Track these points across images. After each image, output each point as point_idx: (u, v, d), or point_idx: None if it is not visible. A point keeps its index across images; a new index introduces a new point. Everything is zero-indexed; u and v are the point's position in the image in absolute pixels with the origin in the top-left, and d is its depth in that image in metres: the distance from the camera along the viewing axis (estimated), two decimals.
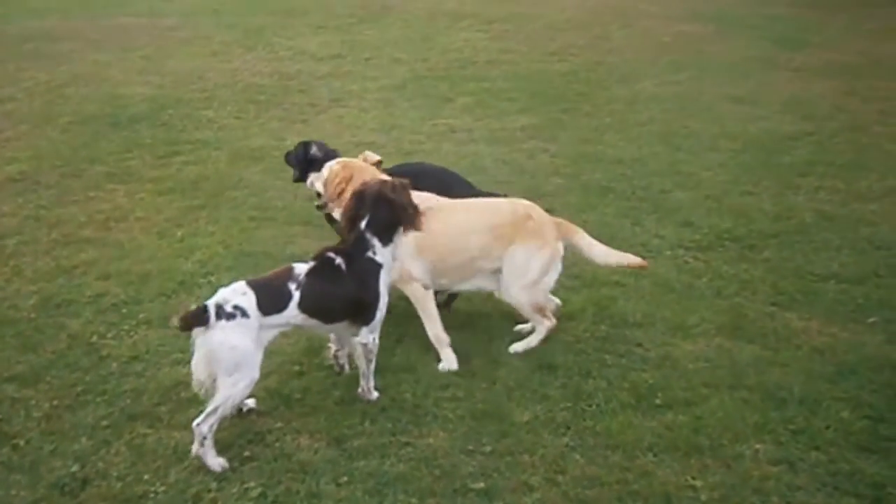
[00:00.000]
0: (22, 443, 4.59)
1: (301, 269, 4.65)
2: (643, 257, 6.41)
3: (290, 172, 6.56)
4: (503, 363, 5.29)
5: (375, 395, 4.94)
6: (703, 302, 5.99)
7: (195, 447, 4.39)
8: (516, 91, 11.13)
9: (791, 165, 8.53)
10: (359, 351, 4.84)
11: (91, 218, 7.29)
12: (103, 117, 9.89)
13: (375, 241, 4.70)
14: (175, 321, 4.40)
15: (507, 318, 5.76)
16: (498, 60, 12.70)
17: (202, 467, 4.39)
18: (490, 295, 5.78)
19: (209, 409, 4.39)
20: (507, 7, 16.28)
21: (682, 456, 4.47)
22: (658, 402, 4.90)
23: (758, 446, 4.55)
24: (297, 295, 4.54)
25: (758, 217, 7.34)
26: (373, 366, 4.89)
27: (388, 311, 4.91)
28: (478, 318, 5.86)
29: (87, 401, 4.93)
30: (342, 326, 4.82)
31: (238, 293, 4.46)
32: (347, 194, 5.20)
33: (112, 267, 6.45)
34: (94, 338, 5.55)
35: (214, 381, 4.40)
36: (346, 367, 5.16)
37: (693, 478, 4.34)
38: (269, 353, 5.28)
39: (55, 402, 4.90)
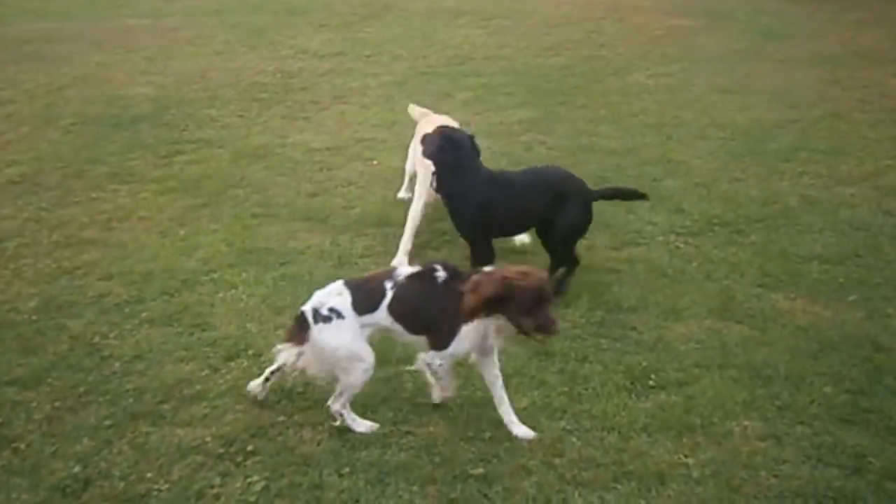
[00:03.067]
0: (23, 446, 4.56)
1: (403, 271, 4.63)
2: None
3: (290, 173, 6.53)
4: (502, 351, 5.26)
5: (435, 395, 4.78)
6: (693, 285, 6.11)
7: (337, 423, 4.57)
8: (514, 85, 11.17)
9: (776, 152, 8.71)
10: (420, 367, 4.66)
11: (93, 219, 7.27)
12: (105, 118, 9.87)
13: None
14: (283, 344, 4.60)
15: None
16: (496, 56, 12.72)
17: (205, 463, 4.37)
18: None
19: (336, 392, 4.55)
20: (505, 4, 16.31)
21: (674, 435, 4.56)
22: (651, 383, 5.01)
23: (746, 423, 4.68)
24: (389, 295, 4.50)
25: (745, 202, 7.51)
26: (445, 381, 4.67)
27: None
28: None
29: (89, 401, 4.91)
30: (420, 341, 4.64)
31: (333, 294, 4.52)
32: None
33: (114, 267, 6.43)
34: (96, 338, 5.53)
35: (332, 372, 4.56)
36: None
37: (685, 456, 4.43)
38: (271, 347, 5.28)
39: (56, 404, 4.88)
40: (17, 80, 11.46)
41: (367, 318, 4.51)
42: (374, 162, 8.52)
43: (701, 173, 8.14)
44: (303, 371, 4.60)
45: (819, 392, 4.91)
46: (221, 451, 4.48)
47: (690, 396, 4.86)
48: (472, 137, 6.10)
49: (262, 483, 4.25)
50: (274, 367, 4.70)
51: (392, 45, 13.41)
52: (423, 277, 4.55)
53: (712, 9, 15.46)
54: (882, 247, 6.64)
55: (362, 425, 4.57)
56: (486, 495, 4.17)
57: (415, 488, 4.21)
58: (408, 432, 4.59)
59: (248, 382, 4.94)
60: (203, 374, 5.14)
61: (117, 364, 5.25)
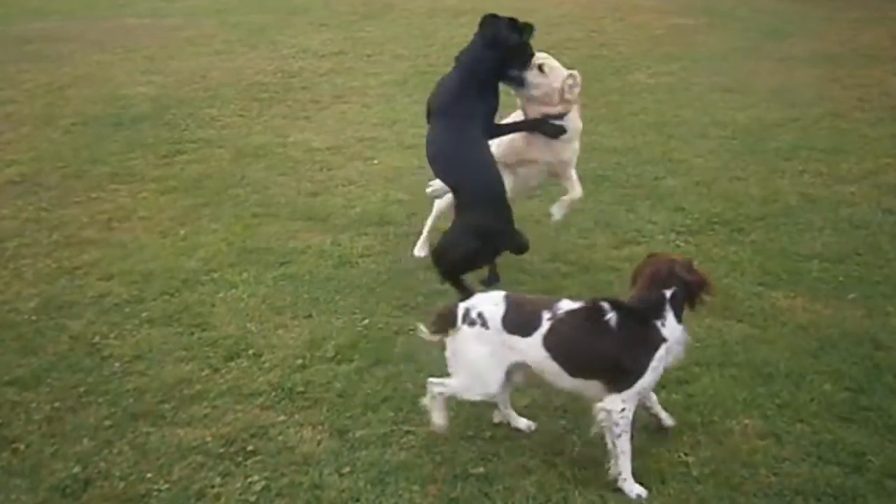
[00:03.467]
0: (22, 446, 4.56)
1: (566, 305, 4.24)
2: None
3: (290, 173, 6.52)
4: None
5: (636, 489, 4.19)
6: None
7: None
8: None
9: (777, 151, 8.69)
10: (600, 417, 4.17)
11: (93, 219, 7.27)
12: (106, 118, 9.87)
13: (670, 315, 4.19)
14: (427, 325, 4.46)
15: None
16: None
17: (205, 463, 4.38)
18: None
19: (446, 381, 4.40)
20: (505, 2, 16.14)
21: (674, 433, 4.56)
22: None
23: (746, 421, 4.68)
24: (546, 326, 4.18)
25: (745, 201, 7.49)
26: (624, 443, 4.16)
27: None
28: None
29: (89, 401, 4.91)
30: (585, 386, 4.25)
31: (489, 302, 4.30)
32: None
33: (114, 267, 6.43)
34: (97, 338, 5.53)
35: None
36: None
37: (685, 454, 4.43)
38: (271, 347, 5.36)
39: (56, 404, 4.88)
40: (18, 80, 11.46)
41: (516, 342, 4.21)
42: (375, 161, 8.51)
43: (701, 172, 8.12)
44: None
45: (819, 390, 4.91)
46: (221, 450, 4.48)
47: (690, 395, 4.86)
48: None
49: (263, 483, 4.25)
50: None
51: (393, 44, 13.40)
52: (589, 315, 4.19)
53: (712, 8, 15.45)
54: (882, 245, 6.63)
55: (439, 420, 4.43)
56: (486, 494, 4.17)
57: (415, 487, 4.21)
58: (408, 432, 4.59)
59: (247, 383, 4.97)
60: (203, 373, 5.14)
61: (117, 364, 5.25)
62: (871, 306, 5.81)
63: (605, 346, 4.14)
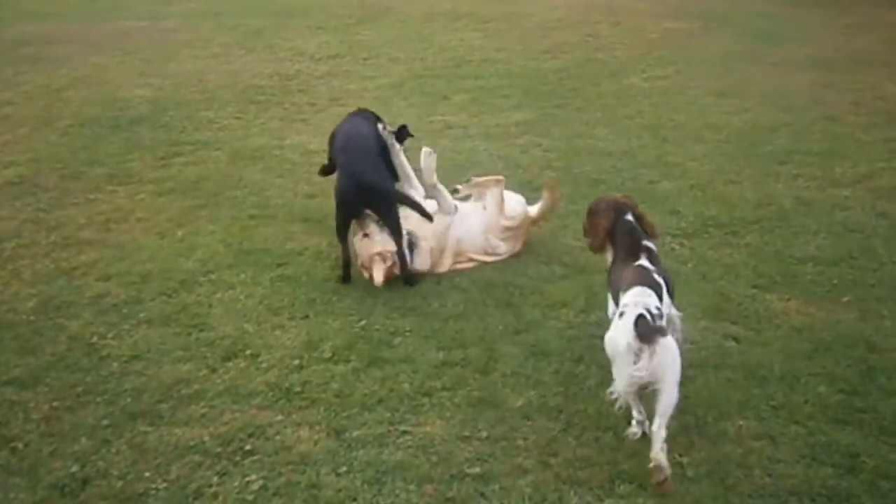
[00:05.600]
0: (21, 445, 4.58)
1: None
2: None
3: (287, 175, 6.57)
4: (498, 351, 5.34)
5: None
6: (689, 286, 6.09)
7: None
8: (510, 88, 11.16)
9: (771, 154, 8.72)
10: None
11: (91, 220, 7.28)
12: (103, 120, 9.87)
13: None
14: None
15: (501, 307, 5.85)
16: (492, 59, 12.72)
17: (203, 462, 4.41)
18: (485, 284, 6.04)
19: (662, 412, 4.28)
20: (502, 7, 16.31)
21: (669, 434, 4.49)
22: None
23: (741, 423, 4.71)
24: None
25: (740, 204, 7.51)
26: None
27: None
28: (472, 306, 5.88)
29: (88, 401, 4.92)
30: None
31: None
32: None
33: (112, 268, 6.45)
34: (94, 338, 5.54)
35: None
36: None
37: (680, 455, 4.44)
38: (269, 347, 5.40)
39: (55, 404, 4.89)
40: (15, 82, 11.47)
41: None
42: None
43: (696, 175, 8.15)
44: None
45: (813, 392, 4.93)
46: (219, 450, 4.50)
47: (685, 396, 4.79)
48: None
49: (260, 482, 4.27)
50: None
51: (389, 47, 13.41)
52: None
53: (707, 12, 15.48)
54: (876, 248, 6.65)
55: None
56: (482, 494, 4.20)
57: (412, 487, 4.23)
58: (405, 432, 4.61)
59: (245, 383, 5.00)
60: (201, 374, 5.15)
61: (115, 364, 5.27)
62: (865, 309, 5.83)
63: None
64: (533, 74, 11.82)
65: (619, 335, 4.35)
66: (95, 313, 5.84)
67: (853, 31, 14.12)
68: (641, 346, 4.24)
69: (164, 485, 4.29)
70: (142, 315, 5.80)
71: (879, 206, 7.39)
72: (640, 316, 4.27)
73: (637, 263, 4.79)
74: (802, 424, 4.67)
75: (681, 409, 4.71)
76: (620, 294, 4.60)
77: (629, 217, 5.03)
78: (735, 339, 5.49)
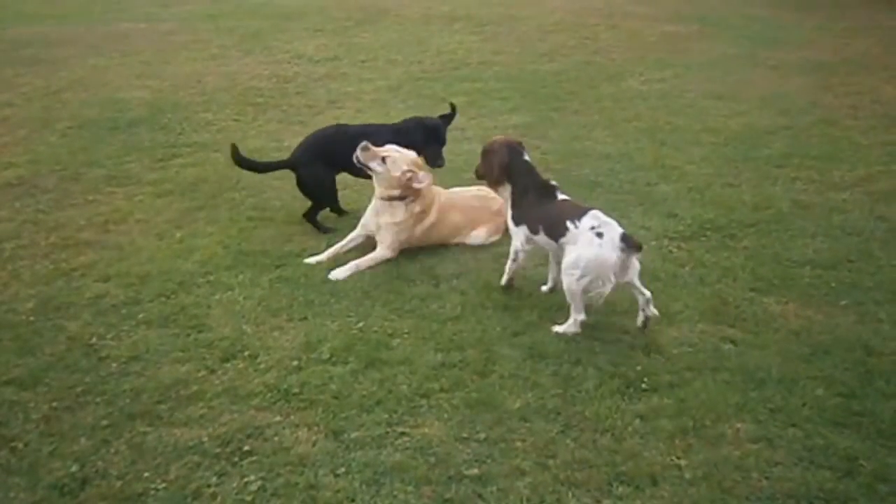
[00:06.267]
0: (20, 445, 4.57)
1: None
2: None
3: (285, 177, 6.61)
4: (496, 353, 5.35)
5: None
6: (686, 289, 6.13)
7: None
8: (508, 91, 11.23)
9: (769, 158, 8.77)
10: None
11: (90, 221, 7.28)
12: (102, 121, 9.90)
13: None
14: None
15: (499, 309, 5.86)
16: (490, 61, 12.78)
17: (202, 463, 4.40)
18: (483, 286, 6.07)
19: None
20: (499, 10, 16.38)
21: (667, 437, 4.59)
22: (644, 386, 5.01)
23: (739, 425, 4.70)
24: None
25: (738, 207, 7.54)
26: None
27: None
28: (470, 308, 5.88)
29: (87, 401, 4.92)
30: None
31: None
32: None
33: (111, 269, 6.45)
34: (94, 339, 5.54)
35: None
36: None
37: (678, 457, 4.45)
38: (267, 349, 5.40)
39: (54, 404, 4.88)
40: (14, 84, 11.49)
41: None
42: None
43: (694, 178, 8.18)
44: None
45: (811, 395, 4.93)
46: (218, 450, 4.49)
47: (683, 399, 4.89)
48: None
49: (259, 483, 4.26)
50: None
51: (387, 50, 13.46)
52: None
53: (705, 16, 15.57)
54: (874, 251, 6.68)
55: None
56: (480, 495, 4.19)
57: (410, 488, 4.23)
58: (403, 433, 4.61)
59: (243, 384, 5.00)
60: (200, 374, 5.15)
61: (114, 365, 5.26)
62: (863, 312, 5.85)
63: None
64: (530, 77, 11.88)
65: (606, 252, 5.24)
66: (94, 314, 5.84)
67: (851, 34, 14.21)
68: (629, 256, 5.25)
69: (163, 485, 4.28)
70: (140, 316, 5.80)
71: (877, 210, 7.43)
72: (623, 233, 5.27)
73: (562, 198, 5.65)
74: (800, 427, 4.67)
75: (678, 412, 4.78)
76: (568, 224, 5.37)
77: (526, 157, 5.78)
78: (733, 341, 5.50)
